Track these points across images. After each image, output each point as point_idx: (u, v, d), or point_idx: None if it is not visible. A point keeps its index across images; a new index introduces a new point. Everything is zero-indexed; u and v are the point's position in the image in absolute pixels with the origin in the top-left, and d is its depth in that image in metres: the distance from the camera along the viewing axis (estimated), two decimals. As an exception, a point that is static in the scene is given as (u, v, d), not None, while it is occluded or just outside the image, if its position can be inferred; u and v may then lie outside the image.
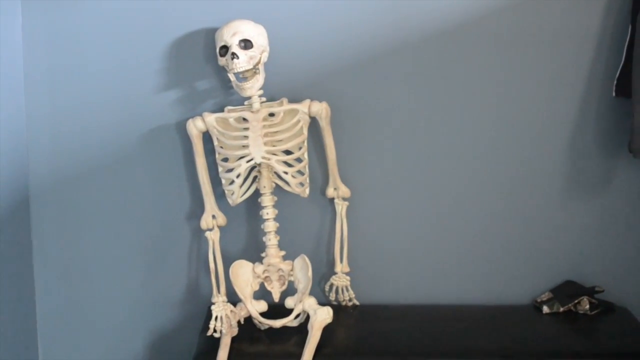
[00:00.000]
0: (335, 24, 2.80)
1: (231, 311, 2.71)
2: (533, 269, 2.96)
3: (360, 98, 2.85)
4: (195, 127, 2.75)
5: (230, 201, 2.78)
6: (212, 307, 2.73)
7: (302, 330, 2.69)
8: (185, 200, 2.91)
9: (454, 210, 2.92)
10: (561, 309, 2.86)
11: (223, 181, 2.77)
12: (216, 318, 2.70)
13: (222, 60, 2.69)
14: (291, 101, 2.79)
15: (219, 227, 2.83)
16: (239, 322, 2.74)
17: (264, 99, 2.74)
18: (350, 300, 2.93)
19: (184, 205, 2.91)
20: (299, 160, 2.77)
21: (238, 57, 2.62)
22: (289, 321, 2.72)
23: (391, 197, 2.91)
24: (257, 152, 2.71)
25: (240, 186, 2.76)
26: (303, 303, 2.71)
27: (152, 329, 3.00)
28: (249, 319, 2.77)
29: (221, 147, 2.74)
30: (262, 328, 2.74)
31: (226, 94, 2.84)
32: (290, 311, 2.74)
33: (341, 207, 2.86)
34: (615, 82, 2.79)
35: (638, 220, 2.92)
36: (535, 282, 2.97)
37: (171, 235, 2.93)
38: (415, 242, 2.95)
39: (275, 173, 2.78)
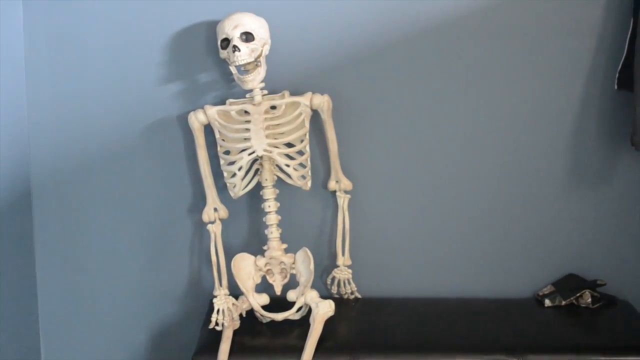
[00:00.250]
0: (336, 17, 2.79)
1: (233, 304, 2.71)
2: (535, 262, 2.96)
3: (362, 91, 2.84)
4: (197, 119, 2.74)
5: (232, 194, 2.78)
6: (214, 300, 2.73)
7: (303, 323, 2.69)
8: (187, 193, 2.91)
9: (455, 203, 2.92)
10: (563, 303, 2.85)
11: (225, 174, 2.77)
12: (218, 311, 2.70)
13: (223, 53, 2.69)
14: (293, 94, 2.78)
15: (220, 220, 2.82)
16: (240, 315, 2.74)
17: (265, 91, 2.74)
18: (352, 293, 2.93)
19: (185, 198, 2.91)
20: (300, 153, 2.77)
21: (239, 50, 2.62)
22: (290, 314, 2.72)
23: (393, 189, 2.91)
24: (259, 144, 2.70)
25: (242, 179, 2.76)
26: (305, 296, 2.70)
27: (154, 321, 3.00)
28: (250, 312, 2.77)
29: (223, 140, 2.74)
30: (264, 321, 2.74)
31: (228, 86, 2.83)
32: (292, 304, 2.74)
33: (343, 200, 2.86)
34: (617, 75, 2.78)
35: (640, 213, 2.93)
36: (537, 276, 2.96)
37: (173, 228, 2.93)
38: (417, 235, 2.94)
39: (277, 166, 2.78)
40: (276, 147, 2.72)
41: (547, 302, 2.87)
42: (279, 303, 2.76)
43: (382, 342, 2.63)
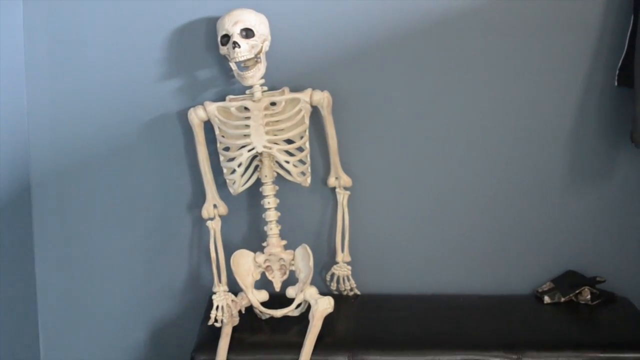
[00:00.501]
0: (336, 13, 2.79)
1: (232, 301, 2.71)
2: (534, 259, 2.96)
3: (362, 87, 2.84)
4: (196, 116, 2.74)
5: (231, 190, 2.78)
6: (213, 296, 2.73)
7: (303, 319, 2.69)
8: (186, 190, 2.91)
9: (455, 199, 2.92)
10: (562, 299, 2.86)
11: (224, 170, 2.77)
12: (217, 307, 2.70)
13: (223, 49, 2.68)
14: (293, 90, 2.78)
15: (220, 216, 2.82)
16: (240, 311, 2.74)
17: (265, 88, 2.74)
18: (351, 289, 2.93)
19: (185, 195, 2.91)
20: (300, 149, 2.77)
21: (239, 46, 2.62)
22: (290, 311, 2.72)
23: (392, 186, 2.91)
24: (259, 141, 2.70)
25: (242, 175, 2.76)
26: (304, 292, 2.70)
27: (153, 318, 3.00)
28: (250, 309, 2.77)
29: (222, 136, 2.74)
30: (263, 318, 2.74)
31: (227, 83, 2.83)
32: (291, 301, 2.73)
33: (342, 197, 2.86)
34: (617, 71, 2.78)
35: (639, 209, 2.92)
36: (537, 272, 2.96)
37: (172, 225, 2.93)
38: (417, 231, 2.94)
39: (277, 162, 2.78)
40: (276, 143, 2.72)
41: (547, 299, 2.87)
42: (278, 299, 2.76)
43: (382, 339, 2.63)
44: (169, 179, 2.90)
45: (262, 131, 2.70)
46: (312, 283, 2.75)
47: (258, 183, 2.81)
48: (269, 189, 2.76)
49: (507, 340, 2.60)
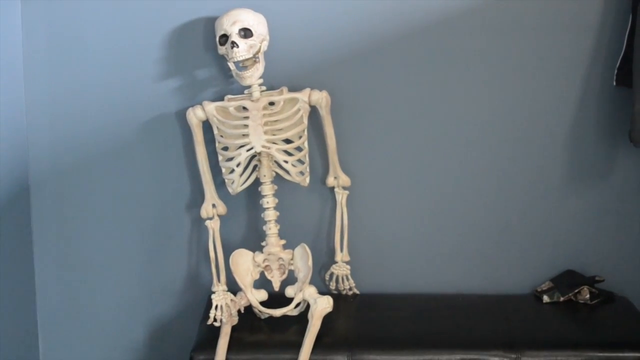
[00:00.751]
0: (335, 13, 2.79)
1: (231, 300, 2.71)
2: (533, 258, 2.96)
3: (361, 87, 2.84)
4: (195, 116, 2.74)
5: (230, 190, 2.78)
6: (212, 296, 2.73)
7: (302, 319, 2.69)
8: (185, 189, 2.91)
9: (454, 199, 2.92)
10: (561, 299, 2.86)
11: (223, 170, 2.77)
12: (216, 307, 2.70)
13: (222, 49, 2.68)
14: (291, 90, 2.78)
15: (219, 216, 2.82)
16: (239, 311, 2.74)
17: (264, 87, 2.74)
18: (350, 289, 2.93)
19: (184, 194, 2.91)
20: (299, 149, 2.77)
21: (238, 46, 2.62)
22: (289, 310, 2.72)
23: (391, 186, 2.91)
24: (257, 140, 2.70)
25: (241, 175, 2.76)
26: (303, 292, 2.70)
27: (153, 318, 3.00)
28: (249, 308, 2.77)
29: (221, 136, 2.74)
30: (262, 317, 2.74)
31: (226, 82, 2.83)
32: (290, 300, 2.73)
33: (341, 196, 2.86)
34: (615, 71, 2.78)
35: (638, 209, 2.92)
36: (536, 272, 2.96)
37: (171, 224, 2.93)
38: (416, 231, 2.94)
39: (276, 162, 2.78)
40: (274, 143, 2.72)
41: (546, 298, 2.87)
42: (277, 299, 2.76)
43: (381, 338, 2.63)
44: (168, 179, 2.90)
45: (261, 131, 2.70)
46: (311, 282, 2.75)
47: (257, 183, 2.81)
48: (267, 189, 2.76)
49: (506, 340, 2.60)
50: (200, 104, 2.77)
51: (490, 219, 2.93)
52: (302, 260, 2.73)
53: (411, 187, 2.92)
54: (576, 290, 2.85)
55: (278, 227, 2.78)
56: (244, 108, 2.73)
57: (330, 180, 2.86)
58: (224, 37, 2.66)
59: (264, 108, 2.72)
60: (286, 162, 2.74)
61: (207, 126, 2.78)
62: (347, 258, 2.89)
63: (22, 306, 2.90)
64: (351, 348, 2.57)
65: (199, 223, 2.93)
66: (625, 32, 2.74)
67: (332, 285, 2.93)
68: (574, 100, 2.85)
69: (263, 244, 2.79)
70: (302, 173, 2.78)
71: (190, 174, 2.89)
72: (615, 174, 2.90)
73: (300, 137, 2.75)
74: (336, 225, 2.87)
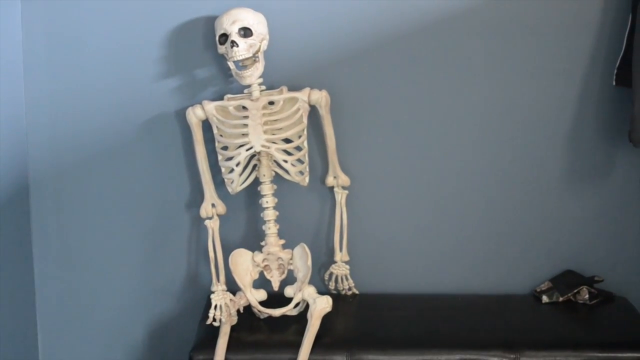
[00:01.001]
0: (335, 13, 2.79)
1: (230, 300, 2.71)
2: (533, 258, 2.96)
3: (360, 86, 2.84)
4: (194, 115, 2.74)
5: (229, 189, 2.78)
6: (212, 295, 2.73)
7: (301, 319, 2.69)
8: (184, 189, 2.91)
9: (453, 199, 2.92)
10: (560, 299, 2.86)
11: (222, 169, 2.77)
12: (215, 307, 2.70)
13: (221, 49, 2.68)
14: (291, 89, 2.78)
15: (218, 215, 2.82)
16: (238, 310, 2.74)
17: (263, 87, 2.74)
18: (349, 289, 2.93)
19: (183, 194, 2.91)
20: (298, 148, 2.77)
21: (238, 45, 2.62)
22: (288, 310, 2.72)
23: (391, 185, 2.91)
24: (257, 140, 2.70)
25: (240, 174, 2.76)
26: (302, 292, 2.70)
27: (152, 317, 3.00)
28: (248, 308, 2.77)
29: (221, 136, 2.74)
30: (262, 317, 2.74)
31: (226, 82, 2.83)
32: (289, 300, 2.73)
33: (341, 196, 2.86)
34: (615, 71, 2.78)
35: (638, 209, 2.92)
36: (535, 272, 2.96)
37: (171, 224, 2.93)
38: (415, 231, 2.94)
39: (275, 161, 2.77)
40: (274, 142, 2.72)
41: (545, 298, 2.87)
42: (276, 299, 2.76)
43: (380, 338, 2.63)
44: (167, 178, 2.90)
45: (260, 130, 2.70)
46: (311, 282, 2.75)
47: (256, 182, 2.81)
48: (267, 188, 2.76)
49: (506, 340, 2.60)
50: (200, 103, 2.76)
51: (489, 219, 2.93)
52: (301, 260, 2.73)
53: (410, 187, 2.92)
54: (575, 291, 2.85)
55: (277, 226, 2.78)
56: (244, 107, 2.73)
57: (330, 180, 2.86)
58: (224, 37, 2.66)
59: (264, 107, 2.72)
60: (286, 161, 2.73)
61: (206, 125, 2.78)
62: (347, 258, 2.89)
63: (22, 305, 2.90)
64: (350, 348, 2.57)
65: (198, 222, 2.93)
66: (625, 32, 2.74)
67: (332, 285, 2.92)
68: (573, 100, 2.85)
69: (262, 243, 2.79)
70: (301, 172, 2.78)
71: (189, 173, 2.89)
72: (615, 174, 2.90)
73: (299, 137, 2.75)
74: (335, 225, 2.87)
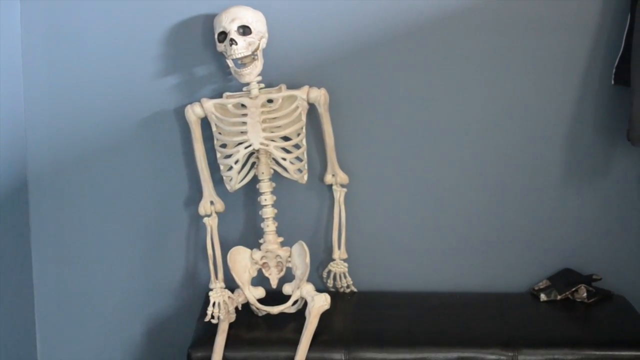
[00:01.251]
0: (334, 11, 2.79)
1: (229, 297, 2.71)
2: (531, 257, 2.96)
3: (359, 85, 2.84)
4: (193, 113, 2.74)
5: (228, 187, 2.78)
6: (210, 293, 2.73)
7: (299, 316, 2.69)
8: (183, 187, 2.91)
9: (452, 197, 2.92)
10: (558, 297, 2.86)
11: (221, 167, 2.77)
12: (214, 304, 2.70)
13: (220, 47, 2.68)
14: (290, 87, 2.78)
15: (217, 213, 2.83)
16: (236, 308, 2.74)
17: (262, 85, 2.74)
18: (347, 286, 2.93)
19: (182, 192, 2.91)
20: (297, 146, 2.77)
21: (236, 43, 2.62)
22: (286, 307, 2.72)
23: (389, 184, 2.91)
24: (256, 138, 2.70)
25: (239, 172, 2.76)
26: (301, 289, 2.71)
27: (150, 315, 3.01)
28: (246, 305, 2.77)
29: (219, 133, 2.74)
30: (260, 314, 2.74)
31: (225, 80, 2.83)
32: (287, 297, 2.74)
33: (339, 194, 2.86)
34: (614, 70, 2.78)
35: (636, 208, 2.92)
36: (533, 270, 2.97)
37: (169, 221, 2.93)
38: (413, 229, 2.95)
39: (274, 159, 2.78)
40: (273, 140, 2.72)
41: (543, 297, 2.87)
42: (274, 296, 2.76)
43: (378, 336, 2.63)
44: (166, 176, 2.90)
45: (259, 128, 2.70)
46: (309, 280, 2.75)
47: (255, 180, 2.82)
48: (265, 186, 2.77)
49: (503, 338, 2.61)
50: (199, 101, 2.77)
51: (487, 217, 2.93)
52: (299, 257, 2.74)
53: (409, 185, 2.92)
54: (573, 289, 2.86)
55: (276, 224, 2.78)
56: (243, 105, 2.73)
57: (328, 178, 2.86)
58: (223, 35, 2.66)
59: (263, 105, 2.72)
60: (284, 159, 2.73)
61: (205, 123, 2.79)
62: (345, 256, 2.89)
63: (20, 303, 2.90)
64: (348, 345, 2.58)
65: (197, 220, 2.93)
66: (623, 31, 2.74)
67: (330, 283, 2.93)
68: (572, 99, 2.85)
69: (261, 241, 2.79)
70: (300, 170, 2.78)
71: (188, 171, 2.89)
72: (613, 173, 2.90)
73: (298, 135, 2.75)
74: (334, 222, 2.87)
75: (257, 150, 2.74)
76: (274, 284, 2.79)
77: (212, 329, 2.65)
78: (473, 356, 2.55)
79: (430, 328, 2.68)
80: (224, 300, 2.70)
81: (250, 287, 2.75)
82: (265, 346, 2.60)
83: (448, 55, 2.83)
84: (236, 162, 2.73)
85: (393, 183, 2.91)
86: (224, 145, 2.76)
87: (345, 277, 2.92)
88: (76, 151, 2.89)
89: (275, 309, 2.72)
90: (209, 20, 2.78)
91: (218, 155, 2.76)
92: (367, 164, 2.90)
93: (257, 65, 2.68)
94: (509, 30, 2.80)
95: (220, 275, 2.77)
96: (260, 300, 2.75)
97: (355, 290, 2.94)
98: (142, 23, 2.80)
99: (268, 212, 2.77)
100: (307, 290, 2.70)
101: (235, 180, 2.76)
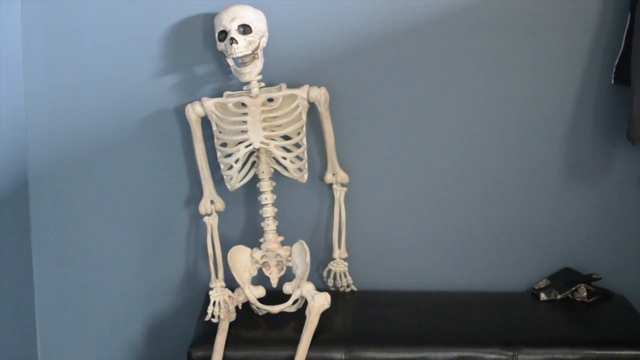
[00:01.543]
0: (334, 10, 2.79)
1: (229, 296, 2.71)
2: (531, 256, 2.96)
3: (359, 84, 2.84)
4: (193, 112, 2.74)
5: (228, 186, 2.78)
6: (210, 292, 2.73)
7: (299, 315, 2.69)
8: (183, 186, 2.91)
9: (451, 196, 2.92)
10: (558, 297, 2.86)
11: (222, 166, 2.77)
12: (214, 303, 2.70)
13: (220, 45, 2.68)
14: (290, 86, 2.78)
15: (217, 212, 2.83)
16: (236, 307, 2.74)
17: (262, 84, 2.74)
18: (348, 286, 2.93)
19: (182, 191, 2.91)
20: (297, 145, 2.77)
21: (237, 42, 2.62)
22: (286, 307, 2.72)
23: (389, 183, 2.91)
24: (256, 137, 2.70)
25: (239, 171, 2.76)
26: (301, 289, 2.71)
27: (150, 314, 3.00)
28: (246, 305, 2.77)
29: (220, 132, 2.74)
30: (260, 314, 2.74)
31: (225, 79, 2.83)
32: (288, 297, 2.74)
33: (339, 193, 2.86)
34: (614, 69, 2.78)
35: (636, 207, 2.92)
36: (533, 270, 2.97)
37: (169, 221, 2.93)
38: (413, 228, 2.95)
39: (274, 158, 2.78)
40: (273, 139, 2.72)
41: (543, 296, 2.87)
42: (275, 295, 2.76)
43: (378, 335, 2.63)
44: (166, 175, 2.90)
45: (260, 127, 2.70)
46: (309, 279, 2.75)
47: (255, 179, 2.82)
48: (266, 185, 2.77)
49: (503, 337, 2.61)
50: (199, 100, 2.77)
51: (487, 217, 2.93)
52: (299, 256, 2.74)
53: (409, 184, 2.92)
54: (573, 288, 2.86)
55: (276, 223, 2.78)
56: (243, 104, 2.73)
57: (329, 177, 2.86)
58: (223, 34, 2.66)
59: (263, 104, 2.72)
60: (285, 158, 2.74)
61: (205, 122, 2.79)
62: (345, 255, 2.89)
63: (20, 302, 2.90)
64: (348, 345, 2.58)
65: (197, 219, 2.93)
66: (623, 31, 2.74)
67: (330, 282, 2.93)
68: (572, 98, 2.85)
69: (261, 240, 2.79)
70: (300, 170, 2.78)
71: (188, 170, 2.89)
72: (613, 173, 2.90)
73: (298, 134, 2.75)
74: (334, 222, 2.87)
75: (258, 149, 2.74)
76: (274, 283, 2.79)
77: (213, 328, 2.65)
78: (473, 355, 2.55)
79: (430, 327, 2.68)
80: (224, 300, 2.70)
81: (251, 286, 2.75)
82: (265, 345, 2.60)
83: (447, 55, 2.83)
84: (236, 161, 2.73)
85: (393, 182, 2.91)
86: (224, 144, 2.76)
87: (345, 276, 2.92)
88: (76, 150, 2.89)
89: (275, 308, 2.72)
90: (209, 19, 2.78)
91: (218, 154, 2.76)
92: (367, 163, 2.90)
93: (258, 64, 2.68)
94: (509, 30, 2.81)
95: (221, 274, 2.77)
96: (261, 300, 2.75)
97: (355, 289, 2.94)
98: (142, 22, 2.80)
99: (268, 211, 2.77)
100: (308, 289, 2.70)
101: (235, 179, 2.76)
